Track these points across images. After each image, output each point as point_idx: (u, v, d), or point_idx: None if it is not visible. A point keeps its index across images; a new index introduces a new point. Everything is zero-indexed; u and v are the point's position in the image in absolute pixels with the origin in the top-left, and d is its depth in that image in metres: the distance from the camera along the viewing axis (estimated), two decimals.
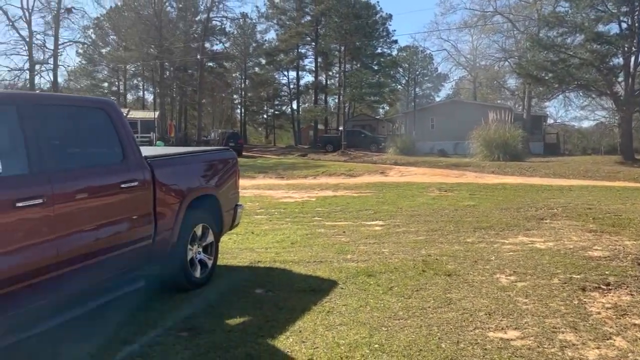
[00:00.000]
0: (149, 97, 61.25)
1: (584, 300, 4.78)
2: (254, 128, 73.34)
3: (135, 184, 4.41)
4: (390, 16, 54.59)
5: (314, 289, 5.16)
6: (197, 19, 48.54)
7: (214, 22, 49.06)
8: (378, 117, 62.97)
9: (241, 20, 54.52)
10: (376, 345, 3.81)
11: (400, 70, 65.09)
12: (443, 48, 57.30)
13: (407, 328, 4.15)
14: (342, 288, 5.21)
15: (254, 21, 58.01)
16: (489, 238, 7.64)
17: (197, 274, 5.28)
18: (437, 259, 6.35)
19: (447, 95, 69.66)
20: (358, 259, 6.41)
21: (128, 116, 44.44)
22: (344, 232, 8.34)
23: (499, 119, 26.47)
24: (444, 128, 38.47)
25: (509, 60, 49.49)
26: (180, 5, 48.43)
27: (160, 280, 5.09)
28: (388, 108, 70.74)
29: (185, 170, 5.26)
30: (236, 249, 7.18)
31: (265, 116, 69.41)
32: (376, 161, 29.66)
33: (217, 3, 46.29)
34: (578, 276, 5.49)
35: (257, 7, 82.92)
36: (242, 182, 16.31)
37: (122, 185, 4.28)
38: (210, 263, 5.51)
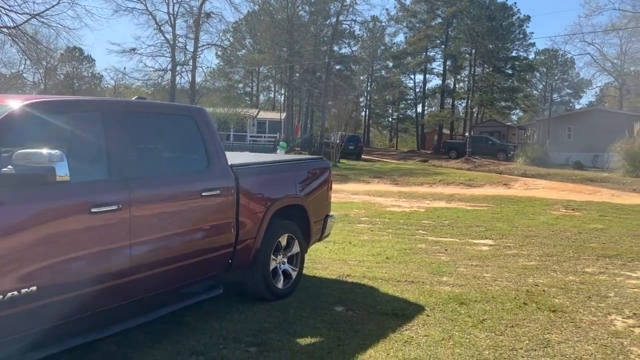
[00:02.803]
0: (280, 98, 63.72)
1: None
2: (378, 131, 73.19)
3: (217, 192, 4.41)
4: (528, 18, 51.68)
5: (397, 313, 4.82)
6: (327, 22, 49.39)
7: (343, 25, 49.66)
8: (509, 123, 59.70)
9: (370, 23, 54.58)
10: None
11: (537, 74, 61.16)
12: (586, 52, 52.37)
13: None
14: (427, 315, 4.82)
15: (383, 24, 57.84)
16: (612, 269, 6.73)
17: (280, 285, 5.20)
18: (544, 290, 5.68)
19: (589, 103, 64.24)
20: (454, 283, 5.94)
21: (258, 116, 46.71)
22: (446, 249, 7.84)
23: None
24: (582, 138, 35.28)
25: None
26: (312, 10, 49.59)
27: (241, 289, 5.08)
28: (521, 114, 66.87)
29: (272, 179, 5.20)
30: (329, 259, 7.02)
31: (389, 119, 69.00)
32: (502, 171, 28.03)
33: (347, 7, 46.73)
34: None
35: (386, 9, 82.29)
36: (355, 186, 16.28)
37: (204, 193, 4.30)
38: (294, 274, 5.40)
